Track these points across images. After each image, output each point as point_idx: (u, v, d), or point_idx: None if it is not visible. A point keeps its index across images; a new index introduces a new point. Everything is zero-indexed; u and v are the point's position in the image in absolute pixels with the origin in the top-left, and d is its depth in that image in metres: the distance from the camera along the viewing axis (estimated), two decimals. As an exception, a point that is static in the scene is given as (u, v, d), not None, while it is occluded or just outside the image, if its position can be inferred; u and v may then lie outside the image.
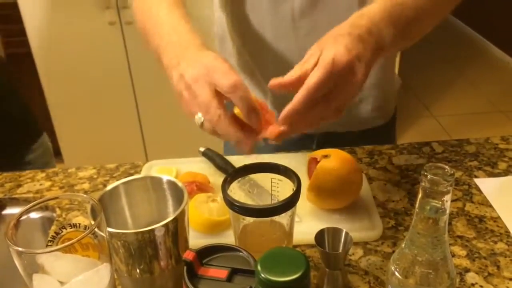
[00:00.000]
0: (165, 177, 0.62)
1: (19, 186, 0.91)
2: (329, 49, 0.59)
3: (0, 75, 1.27)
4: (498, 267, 0.68)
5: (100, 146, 2.25)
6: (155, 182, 0.62)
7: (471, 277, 0.67)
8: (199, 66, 0.58)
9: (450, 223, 0.76)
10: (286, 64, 0.90)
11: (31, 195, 0.89)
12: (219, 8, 0.97)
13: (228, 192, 0.60)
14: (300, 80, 0.58)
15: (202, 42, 0.65)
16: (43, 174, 0.94)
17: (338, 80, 0.58)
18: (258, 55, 0.95)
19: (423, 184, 0.46)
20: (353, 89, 0.60)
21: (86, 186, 0.91)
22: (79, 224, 0.48)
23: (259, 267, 0.38)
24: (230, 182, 0.62)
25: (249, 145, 0.60)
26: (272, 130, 0.59)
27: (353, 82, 0.59)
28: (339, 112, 0.61)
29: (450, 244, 0.72)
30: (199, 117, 0.58)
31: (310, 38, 0.87)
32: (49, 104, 2.15)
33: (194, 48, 0.63)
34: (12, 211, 0.88)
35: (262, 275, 0.38)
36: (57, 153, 2.28)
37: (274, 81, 0.61)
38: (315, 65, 0.59)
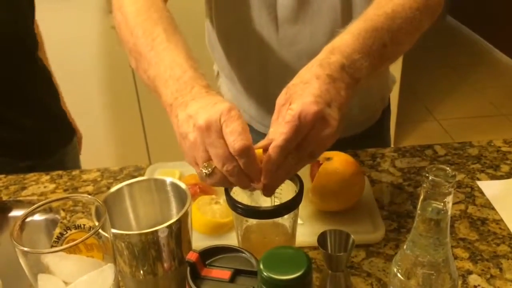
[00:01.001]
0: (169, 179, 0.62)
1: (24, 188, 0.92)
2: (296, 102, 0.56)
3: (42, 70, 1.27)
4: (501, 269, 0.68)
5: (103, 149, 2.26)
6: (159, 184, 0.63)
7: (473, 279, 0.67)
8: (213, 112, 0.54)
9: (452, 226, 0.76)
10: (269, 71, 0.91)
11: (35, 197, 0.90)
12: (207, 18, 0.97)
13: (231, 194, 0.60)
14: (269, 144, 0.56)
15: (208, 84, 0.61)
16: (48, 177, 0.95)
17: (308, 131, 0.56)
18: (242, 63, 0.95)
19: (424, 185, 0.47)
20: (326, 136, 0.57)
21: (90, 188, 0.91)
22: (84, 225, 0.49)
23: (261, 266, 0.39)
24: (232, 187, 0.62)
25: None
26: (257, 186, 0.57)
27: (327, 130, 0.57)
28: (313, 158, 0.59)
29: (453, 246, 0.72)
30: (205, 167, 0.56)
31: (293, 48, 0.88)
32: (53, 108, 2.16)
33: (202, 89, 0.59)
34: (16, 213, 0.88)
35: (265, 274, 0.38)
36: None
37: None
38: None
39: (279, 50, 0.88)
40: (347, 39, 0.62)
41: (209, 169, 0.55)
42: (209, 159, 0.56)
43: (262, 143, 0.57)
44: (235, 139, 0.53)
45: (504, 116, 3.02)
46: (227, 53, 0.96)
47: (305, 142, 0.56)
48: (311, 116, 0.54)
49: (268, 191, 0.57)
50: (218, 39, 0.95)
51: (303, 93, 0.56)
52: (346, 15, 0.84)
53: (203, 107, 0.56)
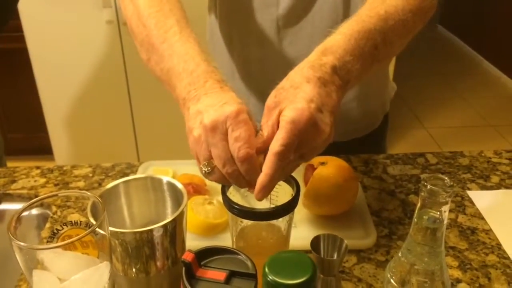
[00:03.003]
0: (166, 178, 0.62)
1: (14, 182, 0.91)
2: (289, 108, 0.55)
3: None
4: (489, 279, 0.69)
5: (92, 145, 2.25)
6: (155, 182, 0.62)
7: (462, 288, 0.68)
8: (220, 112, 0.55)
9: (442, 234, 0.77)
10: (269, 69, 0.92)
11: (25, 191, 0.89)
12: (209, 14, 0.98)
13: (227, 194, 0.60)
14: (267, 143, 0.56)
15: (222, 78, 0.61)
16: (38, 171, 0.94)
17: (302, 136, 0.56)
18: (243, 61, 0.95)
19: (422, 194, 0.47)
20: (321, 140, 0.57)
21: (81, 184, 0.90)
22: (80, 221, 0.48)
23: (266, 269, 0.39)
24: (230, 185, 0.62)
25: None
26: (252, 190, 0.57)
27: (319, 134, 0.57)
28: (304, 160, 0.60)
29: (443, 255, 0.73)
30: (205, 165, 0.56)
31: (294, 47, 0.88)
32: (42, 101, 2.14)
33: (216, 84, 0.59)
34: (6, 206, 0.88)
35: (270, 277, 0.38)
36: (49, 151, 2.28)
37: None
38: (278, 122, 0.56)
39: (280, 49, 0.89)
40: (339, 39, 0.62)
41: (209, 168, 0.56)
42: (210, 157, 0.56)
43: (257, 145, 0.57)
44: (240, 146, 0.53)
45: (491, 127, 3.06)
46: (229, 51, 0.96)
47: (298, 148, 0.56)
48: (304, 122, 0.54)
49: (262, 196, 0.57)
50: (222, 37, 0.96)
51: (294, 99, 0.56)
52: (348, 15, 0.84)
53: (213, 105, 0.56)
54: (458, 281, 0.69)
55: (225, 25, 0.94)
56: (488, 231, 0.78)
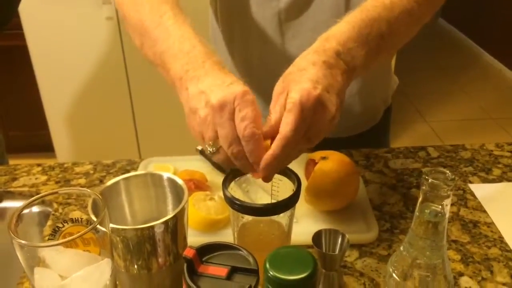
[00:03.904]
0: (166, 174, 0.62)
1: (15, 179, 0.91)
2: (294, 89, 0.56)
3: None
4: (492, 272, 0.69)
5: (93, 142, 2.25)
6: (156, 178, 0.62)
7: (465, 281, 0.68)
8: (228, 92, 0.55)
9: (444, 228, 0.77)
10: (271, 65, 0.91)
11: (26, 188, 0.89)
12: (210, 8, 0.97)
13: (228, 190, 0.60)
14: (274, 127, 0.56)
15: (219, 60, 0.61)
16: (39, 168, 0.94)
17: (310, 117, 0.56)
18: (244, 56, 0.95)
19: (423, 187, 0.47)
20: (327, 121, 0.57)
21: (82, 181, 0.90)
22: (81, 218, 0.48)
23: (267, 265, 0.39)
24: (231, 180, 0.62)
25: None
26: (256, 175, 0.57)
27: (326, 115, 0.57)
28: (310, 143, 0.59)
29: (445, 248, 0.73)
30: (211, 145, 0.57)
31: (295, 41, 0.88)
32: (43, 98, 2.14)
33: (215, 65, 0.59)
34: (7, 204, 0.88)
35: (271, 273, 0.38)
36: (50, 148, 2.28)
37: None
38: (285, 106, 0.56)
39: (281, 43, 0.88)
40: (342, 27, 0.63)
41: (214, 148, 0.57)
42: (216, 138, 0.56)
43: (264, 130, 0.57)
44: (246, 125, 0.53)
45: (493, 120, 3.06)
46: (230, 48, 0.96)
47: (306, 131, 0.57)
48: (311, 102, 0.55)
49: (265, 174, 0.57)
50: (222, 33, 0.95)
51: (300, 79, 0.56)
52: (349, 7, 0.84)
53: (218, 85, 0.56)
54: (461, 274, 0.69)
55: (226, 21, 0.94)
56: (490, 224, 0.78)
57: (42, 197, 0.48)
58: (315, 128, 0.57)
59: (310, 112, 0.55)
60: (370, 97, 0.99)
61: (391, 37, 0.67)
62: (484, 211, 0.81)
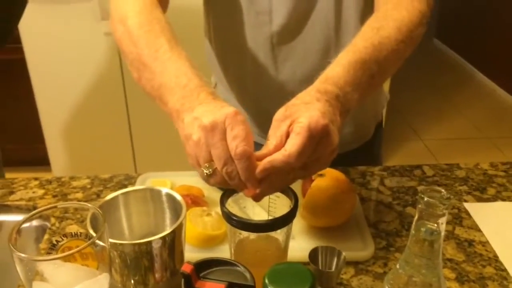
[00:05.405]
0: (165, 190, 0.62)
1: (12, 193, 0.91)
2: (304, 116, 0.57)
3: None
4: (486, 291, 0.69)
5: (90, 156, 2.24)
6: (154, 194, 0.63)
7: (460, 300, 0.68)
8: (219, 114, 0.56)
9: (440, 246, 0.78)
10: (264, 86, 0.93)
11: (23, 202, 0.89)
12: (205, 36, 0.99)
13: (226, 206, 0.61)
14: (272, 152, 0.57)
15: (214, 91, 0.63)
16: (36, 182, 0.94)
17: (315, 144, 0.57)
18: (237, 79, 0.97)
19: (419, 206, 0.48)
20: (328, 153, 0.59)
21: (79, 195, 0.90)
22: (80, 233, 0.49)
23: (266, 280, 0.39)
24: (229, 197, 0.62)
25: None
26: (247, 192, 0.58)
27: (329, 146, 0.58)
28: (307, 173, 0.61)
29: (440, 267, 0.73)
30: (206, 167, 0.57)
31: (288, 63, 0.90)
32: (40, 112, 2.15)
33: (209, 96, 0.61)
34: (4, 218, 0.87)
35: (270, 289, 0.38)
36: (46, 162, 2.27)
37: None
38: (287, 133, 0.57)
39: (274, 66, 0.90)
40: (339, 71, 0.65)
41: (210, 170, 0.57)
42: (210, 159, 0.57)
43: (261, 152, 0.57)
44: (238, 143, 0.54)
45: (487, 139, 3.08)
46: (224, 70, 0.98)
47: (310, 159, 0.57)
48: (320, 128, 0.56)
49: (258, 197, 0.58)
50: (216, 57, 0.97)
51: (308, 110, 0.58)
52: (339, 30, 0.85)
53: (210, 110, 0.58)
54: (456, 293, 0.69)
55: (219, 46, 0.96)
56: (485, 243, 0.78)
57: (42, 211, 0.48)
58: (315, 156, 0.58)
59: (317, 138, 0.56)
60: (360, 115, 1.00)
61: (380, 76, 0.70)
62: (479, 230, 0.81)
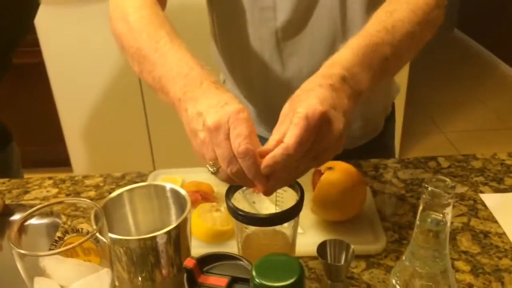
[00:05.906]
0: (168, 185, 0.62)
1: (26, 192, 0.92)
2: (302, 105, 0.56)
3: None
4: (502, 283, 0.67)
5: (109, 155, 2.27)
6: (159, 190, 0.63)
7: (474, 293, 0.66)
8: (223, 113, 0.56)
9: (454, 238, 0.76)
10: (271, 81, 0.92)
11: (37, 201, 0.90)
12: (211, 37, 0.99)
13: (232, 201, 0.60)
14: (275, 146, 0.56)
15: (216, 79, 0.62)
16: (50, 181, 0.95)
17: (315, 133, 0.56)
18: (244, 76, 0.96)
19: (424, 196, 0.46)
20: (334, 139, 0.57)
21: (92, 193, 0.91)
22: (82, 229, 0.49)
23: (254, 272, 0.39)
24: (234, 191, 0.62)
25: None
26: (257, 188, 0.58)
27: (332, 133, 0.57)
28: (317, 161, 0.60)
29: (455, 259, 0.72)
30: (211, 166, 0.57)
31: (294, 58, 0.89)
32: (60, 114, 2.18)
33: (212, 85, 0.60)
34: (18, 217, 0.89)
35: (257, 280, 0.38)
36: (67, 162, 2.31)
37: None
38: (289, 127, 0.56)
39: (280, 61, 0.89)
40: (347, 53, 0.64)
41: (215, 168, 0.57)
42: (216, 158, 0.57)
43: (263, 148, 0.57)
44: (240, 142, 0.54)
45: (509, 130, 3.01)
46: (231, 68, 0.98)
47: (312, 147, 0.56)
48: (317, 116, 0.55)
49: (268, 192, 0.58)
50: (222, 56, 0.97)
51: (308, 98, 0.57)
52: (345, 23, 0.84)
53: (213, 106, 0.57)
54: (470, 286, 0.67)
55: (225, 45, 0.95)
56: (502, 235, 0.76)
57: (39, 209, 0.48)
58: (321, 145, 0.57)
59: (316, 127, 0.55)
60: (370, 107, 0.98)
61: (395, 60, 0.68)
62: (496, 222, 0.79)
